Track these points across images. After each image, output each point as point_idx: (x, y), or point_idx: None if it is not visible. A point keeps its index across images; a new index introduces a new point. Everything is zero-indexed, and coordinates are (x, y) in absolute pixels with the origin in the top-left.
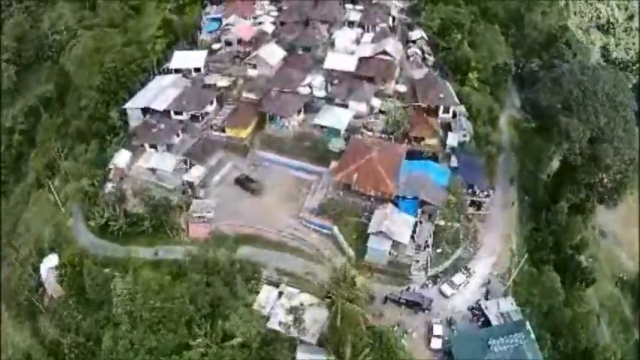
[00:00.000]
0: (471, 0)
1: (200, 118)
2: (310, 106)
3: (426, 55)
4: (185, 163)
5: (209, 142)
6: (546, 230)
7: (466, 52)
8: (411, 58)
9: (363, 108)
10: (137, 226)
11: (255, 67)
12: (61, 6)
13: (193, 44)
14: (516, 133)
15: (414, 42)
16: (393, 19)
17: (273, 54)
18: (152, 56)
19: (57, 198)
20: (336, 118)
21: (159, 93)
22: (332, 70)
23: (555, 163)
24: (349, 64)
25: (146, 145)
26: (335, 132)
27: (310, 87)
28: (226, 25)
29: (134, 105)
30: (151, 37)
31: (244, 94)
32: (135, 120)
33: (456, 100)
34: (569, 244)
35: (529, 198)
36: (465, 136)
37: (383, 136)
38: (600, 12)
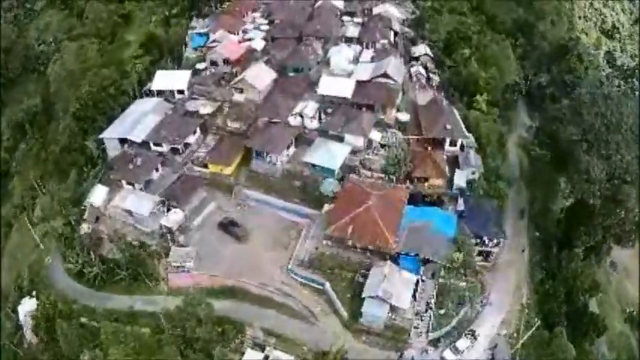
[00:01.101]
0: (477, 7)
1: (181, 150)
2: (302, 138)
3: (431, 75)
4: (163, 204)
5: (190, 179)
6: (559, 275)
7: (474, 72)
8: (414, 78)
9: (360, 142)
10: (114, 274)
11: (241, 91)
12: (48, 14)
13: (179, 62)
14: (526, 158)
15: (417, 59)
16: (395, 33)
17: (261, 77)
18: (132, 77)
19: (34, 233)
20: (330, 155)
21: (138, 120)
22: (326, 95)
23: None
24: (345, 90)
25: (123, 182)
26: (328, 171)
27: (302, 116)
28: (213, 41)
29: (111, 134)
30: (132, 57)
31: (229, 123)
32: (113, 150)
33: (464, 130)
34: (581, 291)
35: (540, 235)
36: (473, 173)
37: (382, 176)
38: (605, 17)
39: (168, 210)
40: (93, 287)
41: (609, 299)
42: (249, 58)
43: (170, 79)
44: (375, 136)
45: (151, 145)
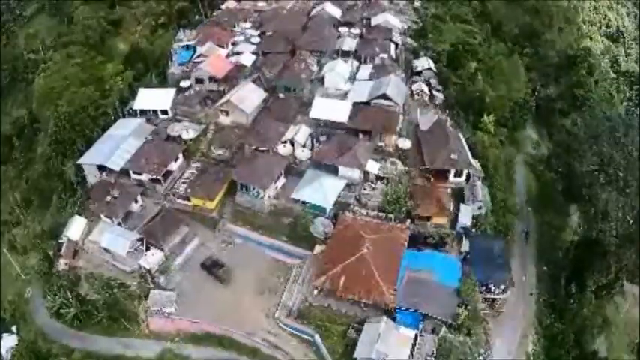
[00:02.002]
0: (482, 13)
1: (161, 181)
2: (292, 169)
3: (434, 92)
4: (142, 243)
5: (170, 214)
6: (567, 315)
7: (481, 89)
8: (416, 96)
9: (356, 175)
10: (92, 316)
11: (227, 113)
12: (38, 21)
13: (164, 77)
14: (535, 181)
15: (419, 73)
16: (396, 45)
17: (249, 98)
18: (113, 97)
19: (14, 262)
20: (322, 192)
21: (117, 145)
22: (319, 119)
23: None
24: (340, 114)
25: (101, 215)
26: (320, 209)
27: (292, 144)
28: (199, 56)
29: (89, 160)
30: (113, 73)
31: (214, 150)
32: (92, 176)
33: (470, 159)
34: (591, 333)
35: (548, 269)
36: (480, 208)
37: (380, 215)
38: (610, 20)
39: (148, 248)
40: (72, 327)
41: (617, 330)
42: (237, 74)
43: (153, 98)
44: (373, 167)
45: (131, 173)
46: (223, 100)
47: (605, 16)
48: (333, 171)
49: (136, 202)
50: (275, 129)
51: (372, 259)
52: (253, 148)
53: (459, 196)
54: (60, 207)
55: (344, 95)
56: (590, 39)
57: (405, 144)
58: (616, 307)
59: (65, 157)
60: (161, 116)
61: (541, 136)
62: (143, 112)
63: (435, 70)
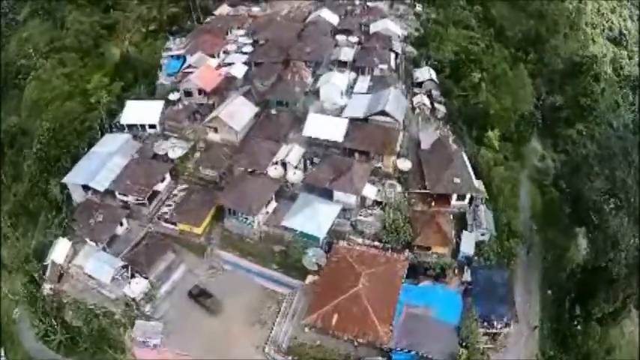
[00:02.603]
0: (485, 17)
1: (148, 202)
2: (284, 191)
3: (436, 105)
4: (126, 270)
5: (156, 240)
6: (572, 343)
7: (485, 102)
8: (417, 109)
9: (352, 200)
10: (77, 343)
11: (216, 130)
12: (31, 26)
13: (153, 88)
14: (540, 196)
15: (420, 84)
16: (396, 54)
17: (239, 114)
18: (100, 110)
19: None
20: (315, 219)
21: (103, 163)
22: (313, 138)
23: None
24: (336, 132)
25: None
26: (312, 238)
27: (284, 165)
28: (188, 66)
29: (73, 180)
30: (99, 87)
31: (202, 170)
32: (77, 194)
33: (474, 181)
34: None
35: (552, 293)
36: (483, 234)
37: (377, 244)
38: (612, 23)
39: (133, 276)
40: (59, 352)
41: (621, 354)
42: (227, 87)
43: (141, 112)
44: (370, 191)
45: (116, 193)
46: (212, 116)
47: (608, 19)
48: (328, 195)
49: (121, 225)
50: (266, 149)
51: (366, 296)
52: (243, 169)
53: (461, 221)
54: (46, 226)
55: (340, 110)
56: (593, 41)
57: (405, 165)
58: (621, 333)
59: (50, 174)
60: (149, 130)
61: (545, 147)
62: (131, 127)
63: (436, 80)
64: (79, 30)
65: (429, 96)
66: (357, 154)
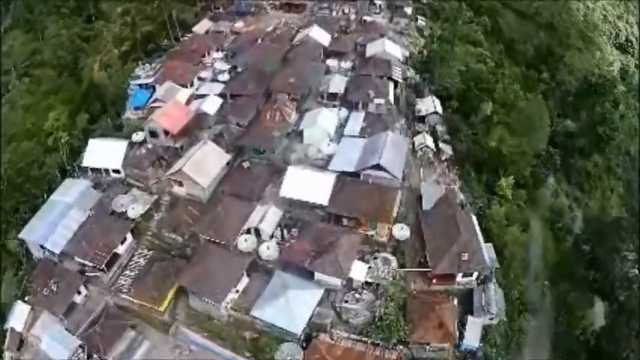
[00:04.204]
0: (493, 30)
1: (107, 267)
2: (257, 264)
3: (441, 145)
4: (83, 350)
5: (115, 316)
6: None
7: (497, 140)
8: (419, 152)
9: (337, 282)
10: None
11: (181, 184)
12: (12, 36)
13: (121, 123)
14: (551, 240)
15: (423, 118)
16: (396, 84)
17: (207, 166)
18: (61, 150)
19: None
20: (290, 311)
21: (60, 217)
22: (293, 200)
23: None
24: (320, 192)
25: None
26: (287, 332)
27: (258, 234)
28: (155, 100)
29: (28, 236)
30: (55, 127)
31: (165, 233)
32: (36, 250)
33: (486, 257)
34: None
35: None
36: (492, 319)
37: (365, 339)
38: (619, 30)
39: (90, 357)
40: None
41: None
42: (199, 124)
43: (104, 153)
44: (359, 271)
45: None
46: (175, 168)
47: (615, 25)
48: (308, 274)
49: (79, 293)
50: (237, 212)
51: None
52: (207, 238)
53: (466, 300)
54: (9, 282)
55: (326, 161)
56: (601, 51)
57: (403, 233)
58: None
59: (9, 224)
60: (113, 175)
61: (559, 181)
62: (95, 169)
63: (440, 112)
64: (58, 44)
65: (433, 132)
66: (345, 219)
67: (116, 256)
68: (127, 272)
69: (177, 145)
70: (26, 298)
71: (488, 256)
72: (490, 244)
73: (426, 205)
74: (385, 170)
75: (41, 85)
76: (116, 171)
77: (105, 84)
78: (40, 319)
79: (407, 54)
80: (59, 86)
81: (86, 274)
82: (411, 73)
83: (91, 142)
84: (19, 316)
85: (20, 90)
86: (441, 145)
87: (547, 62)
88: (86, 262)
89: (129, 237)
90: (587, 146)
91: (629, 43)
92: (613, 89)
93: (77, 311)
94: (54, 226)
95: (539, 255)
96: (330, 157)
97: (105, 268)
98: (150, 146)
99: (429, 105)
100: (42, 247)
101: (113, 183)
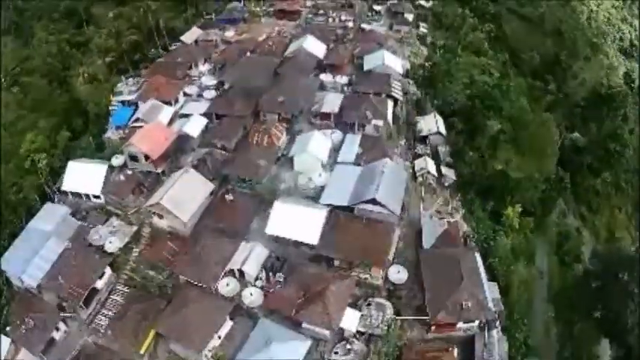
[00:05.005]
0: (498, 38)
1: (85, 304)
2: (240, 310)
3: (443, 170)
4: None
5: (94, 354)
6: None
7: (503, 165)
8: (420, 179)
9: (326, 332)
10: None
11: (161, 216)
12: (3, 42)
13: (103, 143)
14: (557, 265)
15: (424, 139)
16: (395, 102)
17: (187, 198)
18: (40, 173)
19: None
20: None
21: (37, 248)
22: (279, 237)
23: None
24: (309, 230)
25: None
26: None
27: (242, 276)
28: (136, 119)
29: (7, 267)
30: (32, 149)
31: (144, 269)
32: (15, 279)
33: (489, 301)
34: None
35: None
36: None
37: None
38: (624, 33)
39: None
40: None
41: None
42: (182, 146)
43: (83, 177)
44: (350, 321)
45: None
46: (153, 200)
47: (619, 28)
48: (294, 323)
49: (57, 329)
50: (218, 252)
51: None
52: (186, 279)
53: (467, 348)
54: None
55: (318, 191)
56: (607, 57)
57: (400, 276)
58: None
59: None
60: (93, 200)
61: (566, 200)
62: (76, 195)
63: (443, 133)
64: (47, 51)
65: (435, 153)
66: (336, 261)
67: (95, 290)
68: (105, 311)
69: (159, 171)
70: (7, 329)
71: (491, 298)
72: (494, 284)
73: (427, 242)
74: (382, 205)
75: (29, 94)
76: (96, 196)
77: (87, 99)
78: (20, 353)
79: (407, 66)
80: (48, 95)
81: (65, 309)
82: (412, 87)
83: (71, 164)
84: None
85: (8, 101)
86: (443, 169)
87: (554, 71)
88: (63, 299)
89: (108, 271)
90: (597, 163)
91: (633, 48)
92: (624, 102)
93: (57, 348)
94: (32, 256)
95: (545, 284)
96: (322, 187)
97: (82, 305)
98: (129, 172)
99: (431, 124)
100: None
101: (93, 209)
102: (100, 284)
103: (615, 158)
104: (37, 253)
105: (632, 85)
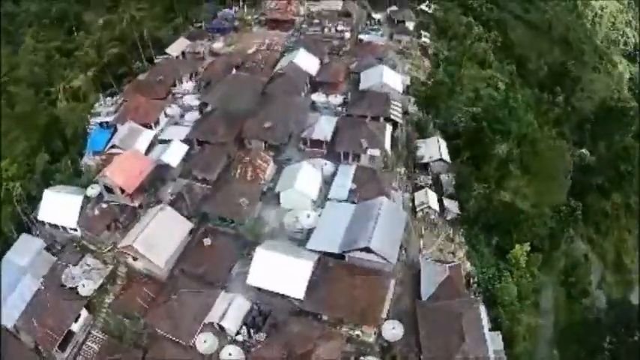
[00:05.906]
0: (504, 46)
1: (60, 348)
2: None
3: (446, 203)
4: None
5: None
6: None
7: (511, 195)
8: (420, 214)
9: None
10: None
11: (135, 258)
12: None
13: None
14: (564, 297)
15: (426, 166)
16: (394, 125)
17: (163, 241)
18: (14, 202)
19: None
20: None
21: (12, 284)
22: (261, 289)
23: None
24: (295, 282)
25: None
26: None
27: (221, 331)
28: (112, 146)
29: None
30: (6, 174)
31: (118, 316)
32: None
33: (491, 353)
34: None
35: None
36: None
37: None
38: (628, 37)
39: None
40: None
41: None
42: (160, 176)
43: (59, 208)
44: None
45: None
46: (126, 242)
47: (624, 33)
48: None
49: None
50: (195, 304)
51: None
52: (162, 332)
53: None
54: None
55: (306, 234)
56: (616, 67)
57: (394, 332)
58: None
59: None
60: (70, 232)
61: (575, 226)
62: (53, 226)
63: (447, 160)
64: (33, 60)
65: (437, 181)
66: (326, 315)
67: (71, 333)
68: (85, 348)
69: (136, 204)
70: None
71: (493, 350)
72: (497, 333)
73: (426, 292)
74: (375, 253)
75: (15, 106)
76: (73, 229)
77: (66, 118)
78: None
79: (408, 82)
80: (34, 107)
81: (42, 352)
82: (412, 106)
83: (46, 193)
84: None
85: None
86: (446, 202)
87: (561, 82)
88: (38, 343)
89: (84, 313)
90: (607, 184)
91: (637, 53)
92: (635, 117)
93: None
94: (7, 292)
95: (551, 322)
96: (311, 231)
97: (58, 350)
98: (104, 206)
99: (433, 149)
100: None
101: (70, 241)
102: (76, 327)
103: (627, 179)
104: (13, 289)
105: (636, 91)
